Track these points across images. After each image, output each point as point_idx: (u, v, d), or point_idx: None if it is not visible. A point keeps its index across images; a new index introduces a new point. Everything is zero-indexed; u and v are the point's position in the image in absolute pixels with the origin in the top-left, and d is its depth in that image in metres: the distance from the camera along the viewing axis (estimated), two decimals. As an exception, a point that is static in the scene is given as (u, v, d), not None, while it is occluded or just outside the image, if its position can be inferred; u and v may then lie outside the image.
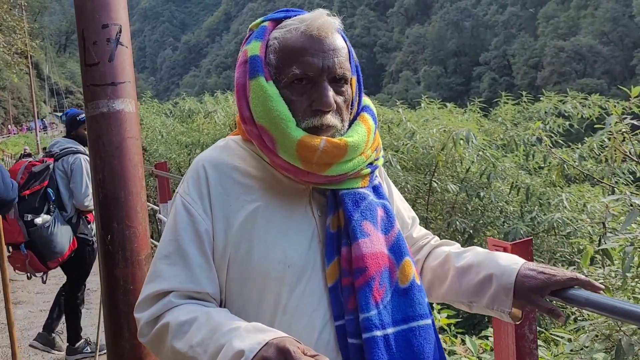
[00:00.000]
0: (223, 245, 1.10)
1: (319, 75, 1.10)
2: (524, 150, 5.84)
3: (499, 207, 5.82)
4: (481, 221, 5.80)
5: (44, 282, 4.15)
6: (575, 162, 5.26)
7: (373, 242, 1.11)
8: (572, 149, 5.38)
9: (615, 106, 5.18)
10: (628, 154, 3.40)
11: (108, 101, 1.50)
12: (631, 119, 3.25)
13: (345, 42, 1.17)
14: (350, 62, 1.16)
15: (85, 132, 4.07)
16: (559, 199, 5.23)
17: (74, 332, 4.27)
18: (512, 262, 1.16)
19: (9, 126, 50.26)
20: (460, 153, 5.26)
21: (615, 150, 3.49)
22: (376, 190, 1.21)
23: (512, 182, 5.61)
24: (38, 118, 35.65)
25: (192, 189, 1.15)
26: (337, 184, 1.14)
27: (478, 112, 6.59)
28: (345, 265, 1.10)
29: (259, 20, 1.22)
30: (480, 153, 5.53)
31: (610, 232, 3.32)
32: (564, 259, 5.29)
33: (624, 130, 3.22)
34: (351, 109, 1.19)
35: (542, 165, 5.85)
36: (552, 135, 5.47)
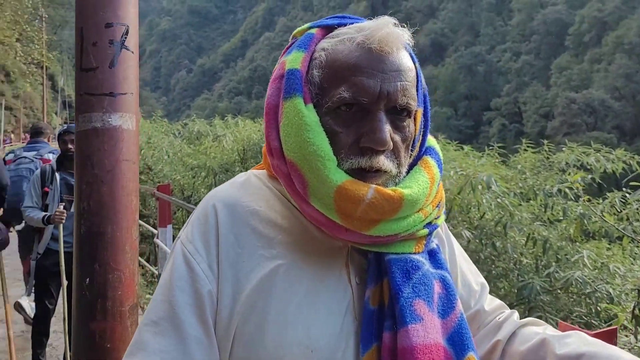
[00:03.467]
0: (229, 314, 0.83)
1: (375, 103, 0.82)
2: (542, 201, 5.67)
3: (514, 259, 5.59)
4: (493, 272, 5.53)
5: None
6: (596, 216, 5.18)
7: (427, 330, 0.83)
8: (593, 204, 5.26)
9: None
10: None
11: (103, 114, 1.18)
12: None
13: (414, 62, 0.89)
14: (417, 90, 0.89)
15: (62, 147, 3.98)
16: (579, 255, 5.04)
17: None
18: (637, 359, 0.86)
19: (22, 134, 50.72)
20: (478, 199, 5.07)
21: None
22: (433, 256, 0.92)
23: (529, 234, 5.38)
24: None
25: (196, 236, 0.88)
26: (383, 245, 0.87)
27: (496, 158, 6.44)
28: (386, 357, 0.82)
29: (305, 26, 0.94)
30: (499, 200, 5.36)
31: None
32: (580, 319, 5.03)
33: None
34: (412, 150, 0.91)
35: (560, 218, 5.77)
36: (572, 187, 5.40)
